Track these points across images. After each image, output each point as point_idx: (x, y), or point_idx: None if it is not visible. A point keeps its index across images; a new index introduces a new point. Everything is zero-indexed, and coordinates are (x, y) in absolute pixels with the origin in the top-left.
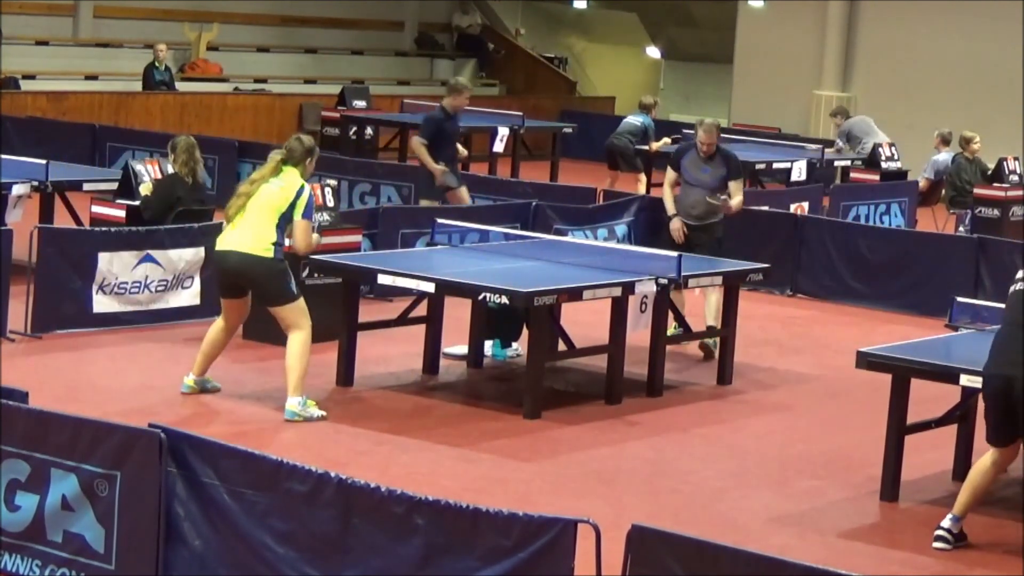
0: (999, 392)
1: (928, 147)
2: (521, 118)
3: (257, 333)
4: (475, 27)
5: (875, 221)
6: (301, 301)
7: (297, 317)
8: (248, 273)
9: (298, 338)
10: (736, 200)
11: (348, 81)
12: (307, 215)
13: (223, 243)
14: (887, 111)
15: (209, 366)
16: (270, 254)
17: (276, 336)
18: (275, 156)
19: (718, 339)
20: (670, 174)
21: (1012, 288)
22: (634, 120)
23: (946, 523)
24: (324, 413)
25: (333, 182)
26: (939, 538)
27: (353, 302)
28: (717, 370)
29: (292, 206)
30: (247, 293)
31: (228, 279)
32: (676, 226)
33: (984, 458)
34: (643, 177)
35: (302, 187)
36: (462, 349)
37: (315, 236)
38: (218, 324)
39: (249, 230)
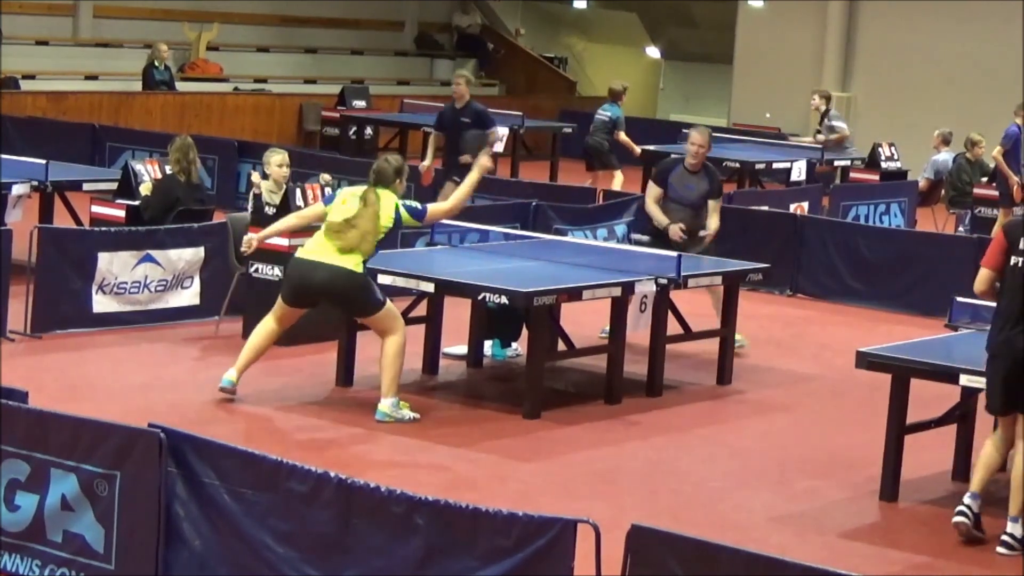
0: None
1: (928, 147)
2: (521, 118)
3: None
4: (475, 27)
5: (875, 221)
6: (390, 306)
7: (389, 322)
8: (334, 288)
9: (392, 341)
10: (714, 224)
11: (348, 81)
12: (419, 216)
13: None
14: (887, 111)
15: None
16: (359, 269)
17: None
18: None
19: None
20: (654, 190)
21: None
22: (602, 115)
23: (968, 500)
24: (416, 416)
25: (328, 176)
26: (960, 513)
27: None
28: (717, 370)
29: (398, 219)
30: (316, 305)
31: (313, 292)
32: (675, 230)
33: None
34: (618, 174)
35: (396, 205)
36: (462, 349)
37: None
38: (271, 326)
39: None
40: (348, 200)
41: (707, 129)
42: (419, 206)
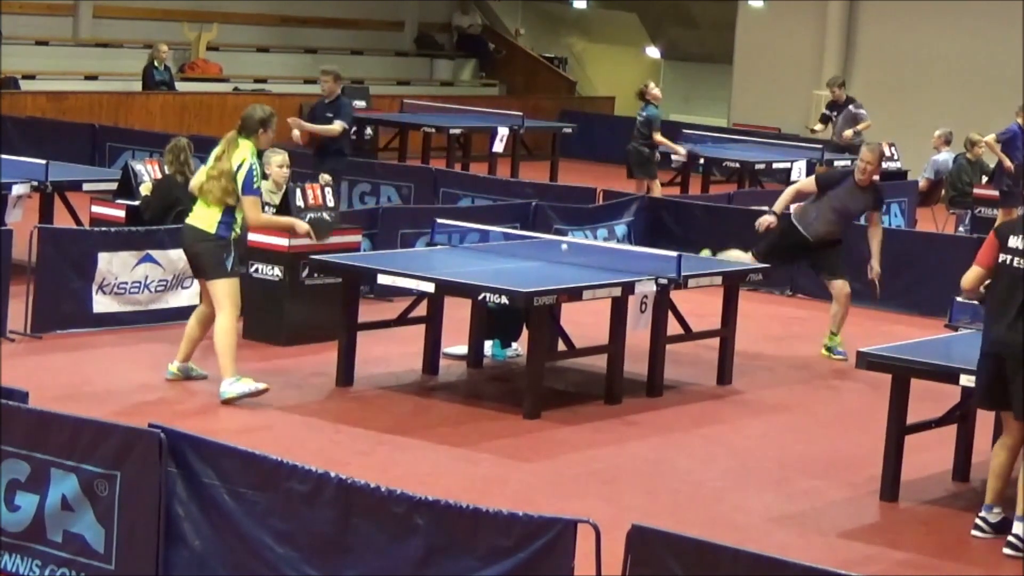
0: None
1: (928, 147)
2: (521, 118)
3: (257, 333)
4: (475, 27)
5: None
6: (233, 284)
7: (223, 298)
8: (191, 247)
9: (219, 322)
10: (876, 244)
11: (348, 81)
12: (247, 191)
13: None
14: (887, 111)
15: (192, 352)
16: (212, 229)
17: (277, 335)
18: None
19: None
20: (809, 184)
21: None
22: (638, 116)
23: (983, 512)
24: (262, 386)
25: (327, 176)
26: (977, 527)
27: (353, 302)
28: (717, 370)
29: (239, 171)
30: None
31: (188, 257)
32: (764, 219)
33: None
34: (656, 184)
35: (242, 162)
36: (462, 349)
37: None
38: (200, 308)
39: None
40: (216, 153)
41: (878, 147)
42: (255, 186)
